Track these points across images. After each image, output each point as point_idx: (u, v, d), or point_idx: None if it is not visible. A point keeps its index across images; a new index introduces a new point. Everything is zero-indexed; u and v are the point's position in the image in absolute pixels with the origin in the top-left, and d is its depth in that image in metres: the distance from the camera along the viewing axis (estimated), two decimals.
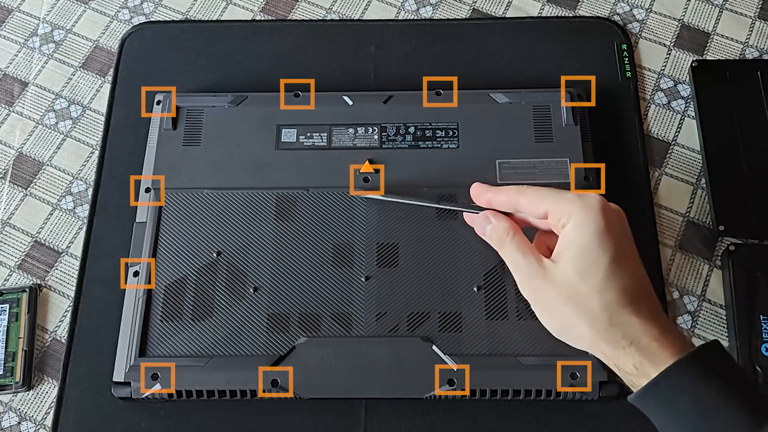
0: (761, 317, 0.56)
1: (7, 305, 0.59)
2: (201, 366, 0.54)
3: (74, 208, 0.64)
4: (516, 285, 0.47)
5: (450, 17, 0.72)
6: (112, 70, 0.70)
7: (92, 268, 0.61)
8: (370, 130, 0.62)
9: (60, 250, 0.63)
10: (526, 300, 0.46)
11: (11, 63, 0.71)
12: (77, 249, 0.62)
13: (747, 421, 0.38)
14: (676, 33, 0.71)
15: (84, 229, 0.63)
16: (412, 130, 0.62)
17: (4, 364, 0.57)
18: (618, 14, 0.71)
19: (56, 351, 0.59)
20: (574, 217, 0.43)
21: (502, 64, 0.69)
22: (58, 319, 0.60)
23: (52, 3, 0.74)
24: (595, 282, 0.42)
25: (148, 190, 0.61)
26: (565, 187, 0.59)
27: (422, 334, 0.55)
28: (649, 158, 0.65)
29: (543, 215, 0.46)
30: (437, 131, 0.62)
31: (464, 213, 0.53)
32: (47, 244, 0.63)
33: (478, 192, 0.51)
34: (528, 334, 0.54)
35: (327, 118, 0.63)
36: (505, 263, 0.48)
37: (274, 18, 0.73)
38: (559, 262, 0.44)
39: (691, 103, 0.67)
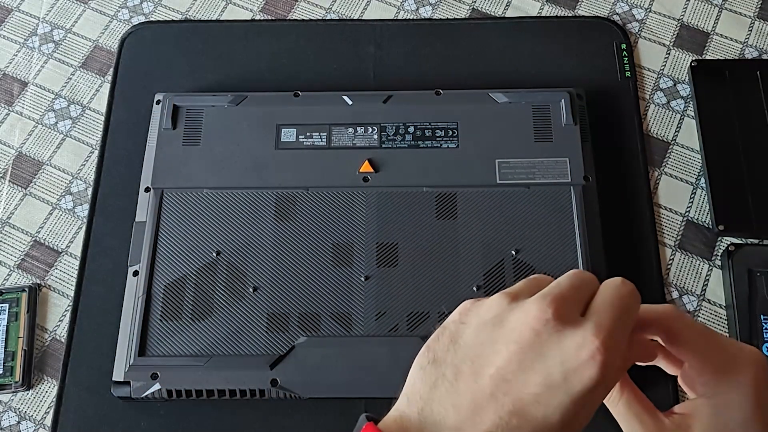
0: (762, 317, 0.56)
1: (7, 305, 0.59)
2: (200, 366, 0.54)
3: (74, 207, 0.64)
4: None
5: (449, 17, 0.72)
6: (111, 69, 0.70)
7: (92, 268, 0.61)
8: (370, 130, 0.62)
9: (59, 250, 0.63)
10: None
11: (11, 63, 0.71)
12: (77, 248, 0.62)
13: None
14: (676, 33, 0.71)
15: (83, 228, 0.63)
16: (411, 129, 0.62)
17: (4, 363, 0.57)
18: (617, 14, 0.71)
19: (56, 350, 0.59)
20: (719, 396, 0.33)
21: (502, 64, 0.69)
22: (57, 319, 0.60)
23: (51, 3, 0.74)
24: None
25: (147, 189, 0.61)
26: (565, 186, 0.59)
27: (422, 333, 0.55)
28: (649, 158, 0.65)
29: (673, 358, 0.37)
30: (437, 131, 0.62)
31: None
32: (47, 243, 0.63)
33: None
34: None
35: (326, 117, 0.63)
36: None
37: (273, 18, 0.73)
38: None
39: (691, 102, 0.67)
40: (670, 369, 0.38)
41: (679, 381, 0.37)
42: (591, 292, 0.31)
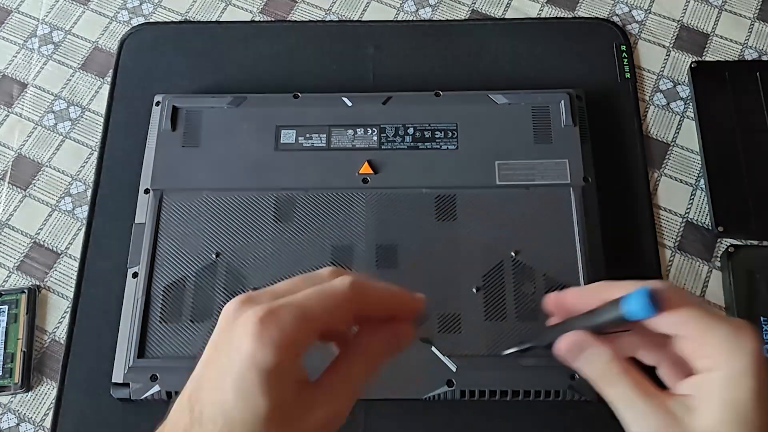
0: (761, 319, 0.56)
1: (6, 306, 0.59)
2: None
3: (73, 209, 0.64)
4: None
5: (449, 18, 0.72)
6: (111, 71, 0.70)
7: (91, 269, 0.61)
8: (369, 131, 0.62)
9: (59, 251, 0.63)
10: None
11: (10, 64, 0.71)
12: (76, 250, 0.62)
13: None
14: (675, 34, 0.71)
15: (83, 230, 0.63)
16: (411, 131, 0.62)
17: (3, 365, 0.57)
18: (617, 15, 0.71)
19: (55, 352, 0.59)
20: (726, 366, 0.33)
21: (502, 65, 0.69)
22: (57, 320, 0.60)
23: (51, 4, 0.74)
24: None
25: (147, 191, 0.61)
26: (565, 188, 0.59)
27: (421, 335, 0.55)
28: (648, 159, 0.65)
29: (652, 341, 0.36)
30: (436, 132, 0.62)
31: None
32: (46, 245, 0.63)
33: (558, 300, 0.39)
34: (527, 335, 0.54)
35: (326, 119, 0.63)
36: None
37: (273, 19, 0.73)
38: (697, 417, 0.33)
39: (690, 104, 0.67)
40: (649, 359, 0.37)
41: (660, 371, 0.36)
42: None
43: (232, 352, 0.30)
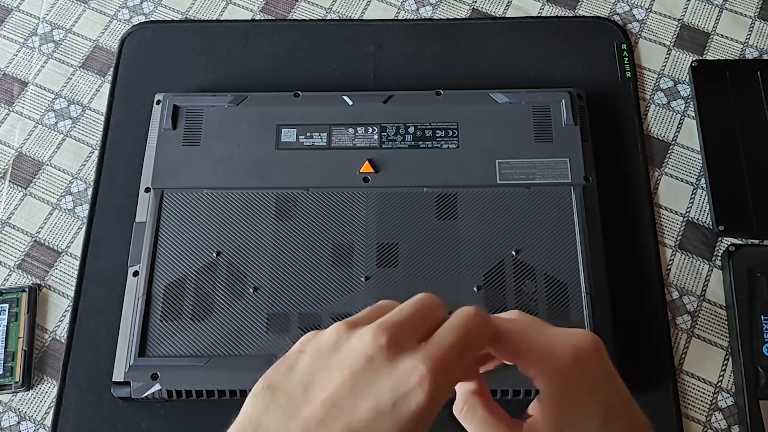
0: (762, 318, 0.56)
1: (7, 305, 0.59)
2: (201, 366, 0.54)
3: (74, 207, 0.64)
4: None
5: (450, 17, 0.72)
6: (111, 69, 0.70)
7: (92, 268, 0.61)
8: (370, 130, 0.62)
9: (60, 250, 0.63)
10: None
11: (11, 62, 0.71)
12: (77, 249, 0.62)
13: None
14: (676, 33, 0.70)
15: (84, 228, 0.63)
16: (411, 130, 0.62)
17: (4, 363, 0.57)
18: (618, 14, 0.71)
19: (56, 351, 0.59)
20: (549, 385, 0.34)
21: (502, 64, 0.69)
22: (57, 319, 0.60)
23: (51, 2, 0.74)
24: None
25: (147, 189, 0.61)
26: (566, 187, 0.59)
27: None
28: (649, 158, 0.65)
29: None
30: (437, 131, 0.62)
31: None
32: (47, 243, 0.63)
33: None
34: None
35: (327, 118, 0.63)
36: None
37: (273, 18, 0.73)
38: None
39: (691, 103, 0.67)
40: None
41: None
42: (435, 318, 0.32)
43: (397, 400, 0.29)
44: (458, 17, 0.72)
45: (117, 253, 0.61)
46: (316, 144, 0.62)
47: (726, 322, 0.59)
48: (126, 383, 0.54)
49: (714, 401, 0.56)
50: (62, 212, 0.64)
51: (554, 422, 0.33)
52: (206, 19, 0.73)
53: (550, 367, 0.33)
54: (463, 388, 0.36)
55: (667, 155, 0.65)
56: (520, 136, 0.62)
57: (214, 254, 0.58)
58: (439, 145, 0.62)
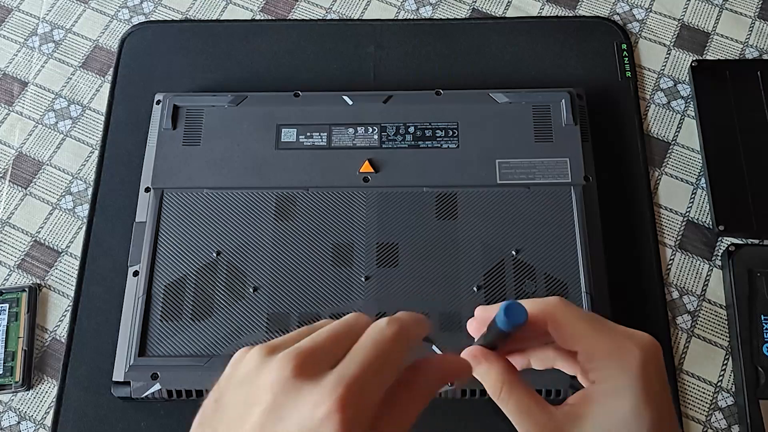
0: (762, 317, 0.56)
1: (7, 305, 0.59)
2: (201, 365, 0.54)
3: (74, 207, 0.64)
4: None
5: (450, 17, 0.72)
6: (111, 69, 0.70)
7: (92, 268, 0.61)
8: (370, 130, 0.62)
9: (60, 250, 0.63)
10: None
11: (11, 62, 0.71)
12: (77, 248, 0.62)
13: None
14: (676, 33, 0.71)
15: (84, 228, 0.63)
16: (412, 129, 0.62)
17: (4, 363, 0.57)
18: (618, 14, 0.71)
19: (56, 350, 0.59)
20: (609, 380, 0.33)
21: (502, 64, 0.69)
22: (57, 319, 0.60)
23: (51, 2, 0.74)
24: None
25: (147, 189, 0.61)
26: (566, 186, 0.59)
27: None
28: (649, 158, 0.65)
29: (566, 352, 0.37)
30: (437, 131, 0.62)
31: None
32: (47, 243, 0.63)
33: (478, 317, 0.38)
34: None
35: (327, 117, 0.63)
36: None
37: (273, 18, 0.73)
38: (581, 427, 0.33)
39: (691, 102, 0.67)
40: (568, 368, 0.38)
41: (579, 379, 0.37)
42: (356, 339, 0.29)
43: None
44: (458, 17, 0.72)
45: (117, 253, 0.61)
46: (316, 144, 0.62)
47: (726, 322, 0.59)
48: (126, 383, 0.54)
49: (714, 401, 0.56)
50: (62, 212, 0.64)
51: (601, 421, 0.33)
52: (206, 19, 0.73)
53: (613, 363, 0.33)
54: (497, 371, 0.35)
55: (667, 155, 0.65)
56: (520, 136, 0.62)
57: (214, 254, 0.58)
58: (439, 145, 0.62)
